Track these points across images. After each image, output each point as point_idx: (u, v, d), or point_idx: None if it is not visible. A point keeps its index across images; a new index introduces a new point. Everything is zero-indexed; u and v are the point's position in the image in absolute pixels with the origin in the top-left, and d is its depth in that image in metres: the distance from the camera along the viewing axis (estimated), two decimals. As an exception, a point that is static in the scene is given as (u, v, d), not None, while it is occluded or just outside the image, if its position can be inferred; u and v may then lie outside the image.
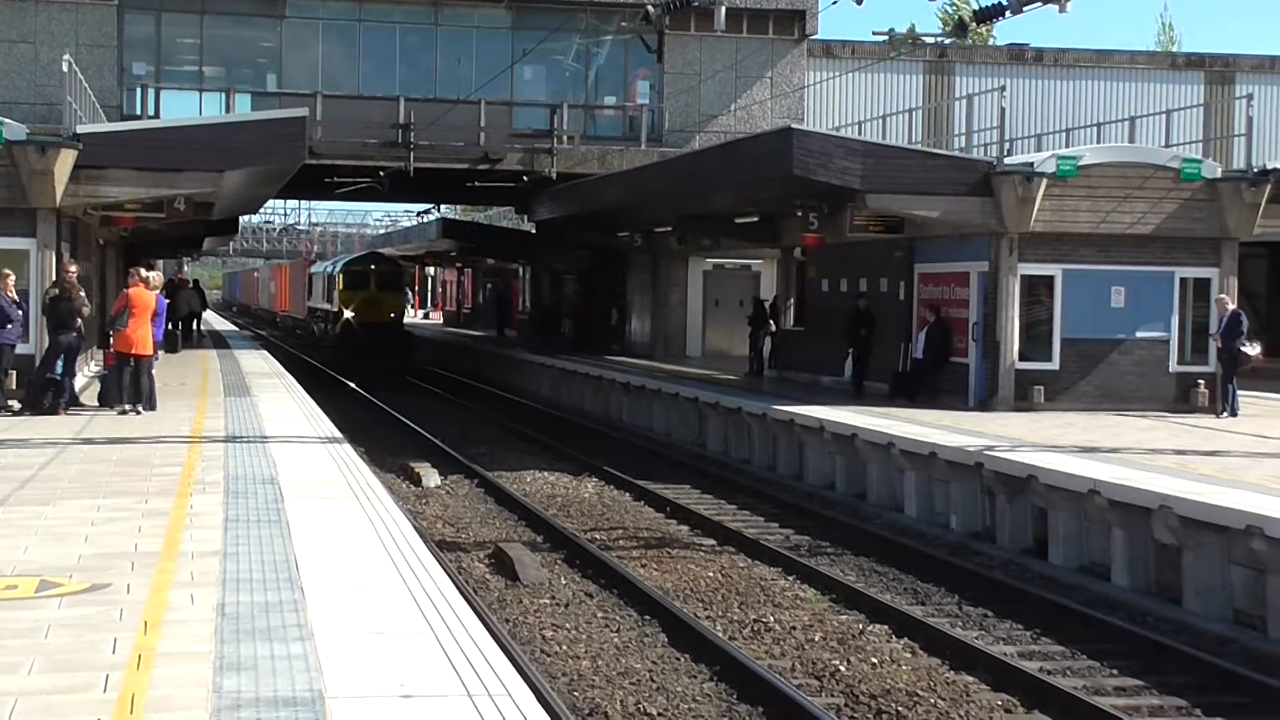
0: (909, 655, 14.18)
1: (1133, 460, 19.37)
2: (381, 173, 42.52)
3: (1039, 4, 20.41)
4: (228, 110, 40.56)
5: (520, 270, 64.13)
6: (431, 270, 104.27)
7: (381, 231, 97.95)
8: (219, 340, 54.73)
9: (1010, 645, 14.66)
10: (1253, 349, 26.38)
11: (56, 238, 25.45)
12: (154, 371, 24.43)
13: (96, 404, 24.49)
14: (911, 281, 29.40)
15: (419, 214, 76.87)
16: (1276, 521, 14.63)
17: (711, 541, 20.46)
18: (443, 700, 7.78)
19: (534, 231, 55.33)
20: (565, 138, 42.37)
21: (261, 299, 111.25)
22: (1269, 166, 27.55)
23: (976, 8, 22.01)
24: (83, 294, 24.32)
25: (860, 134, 37.20)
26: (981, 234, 26.88)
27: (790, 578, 17.90)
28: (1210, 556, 15.78)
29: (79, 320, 23.99)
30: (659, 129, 43.53)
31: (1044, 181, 26.26)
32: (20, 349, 23.91)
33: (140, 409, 23.51)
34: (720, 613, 15.96)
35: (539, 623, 15.33)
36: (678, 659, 13.91)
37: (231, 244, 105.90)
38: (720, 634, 14.72)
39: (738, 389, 31.47)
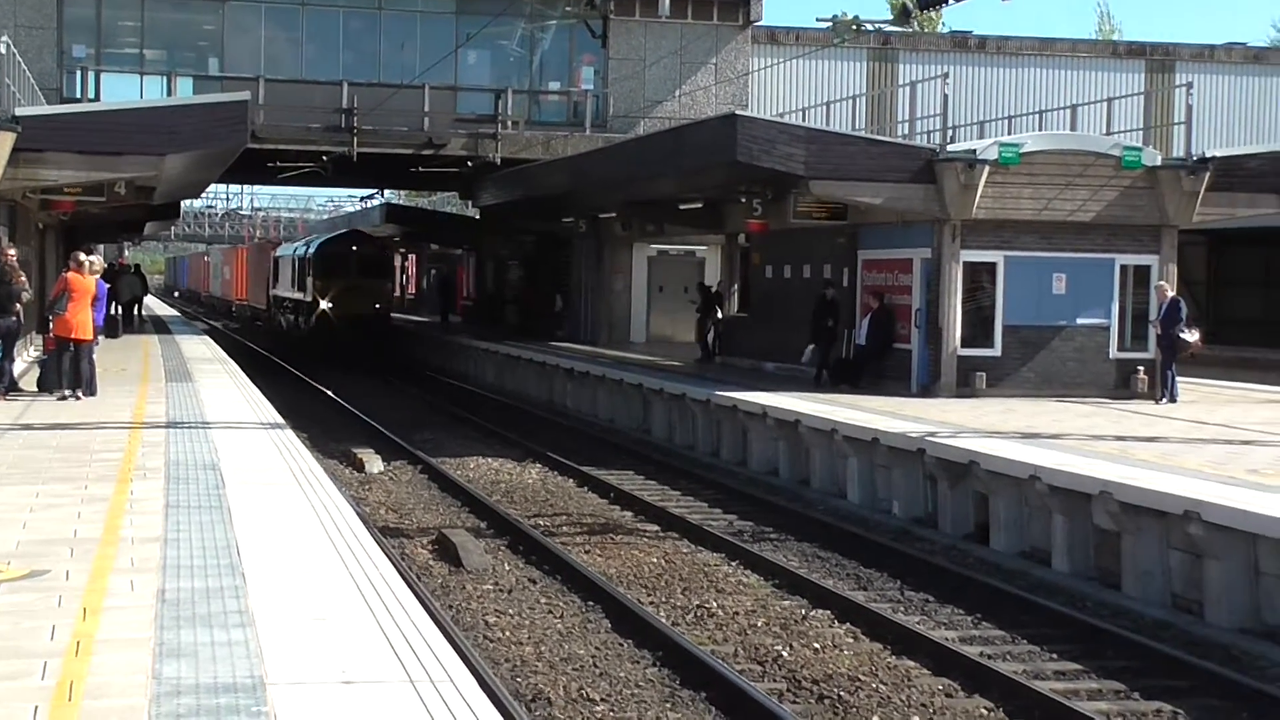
0: (851, 640, 14.24)
1: (1073, 446, 19.51)
2: (325, 157, 42.33)
3: (982, -8, 20.48)
4: (169, 94, 40.27)
5: (465, 256, 63.88)
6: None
7: (325, 217, 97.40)
8: (161, 325, 54.34)
9: (951, 630, 14.75)
10: (1191, 335, 26.61)
11: (-6, 221, 25.22)
12: (94, 357, 24.23)
13: (35, 389, 24.29)
14: (855, 268, 29.49)
15: (363, 199, 76.62)
16: (1214, 507, 14.77)
17: (655, 527, 20.48)
18: (384, 686, 7.77)
19: (478, 217, 55.22)
20: (510, 123, 42.30)
21: (213, 285, 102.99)
22: (1208, 154, 27.78)
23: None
24: (23, 278, 24.10)
25: (804, 120, 37.28)
26: (924, 221, 27.00)
27: (733, 563, 17.95)
28: (1149, 542, 15.92)
29: (18, 305, 23.76)
30: (604, 115, 43.50)
31: (986, 169, 26.39)
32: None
33: (80, 394, 23.32)
34: (663, 598, 15.98)
35: (482, 609, 15.32)
36: (621, 645, 13.93)
37: (173, 229, 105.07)
38: (663, 620, 14.74)
39: (682, 375, 31.51)
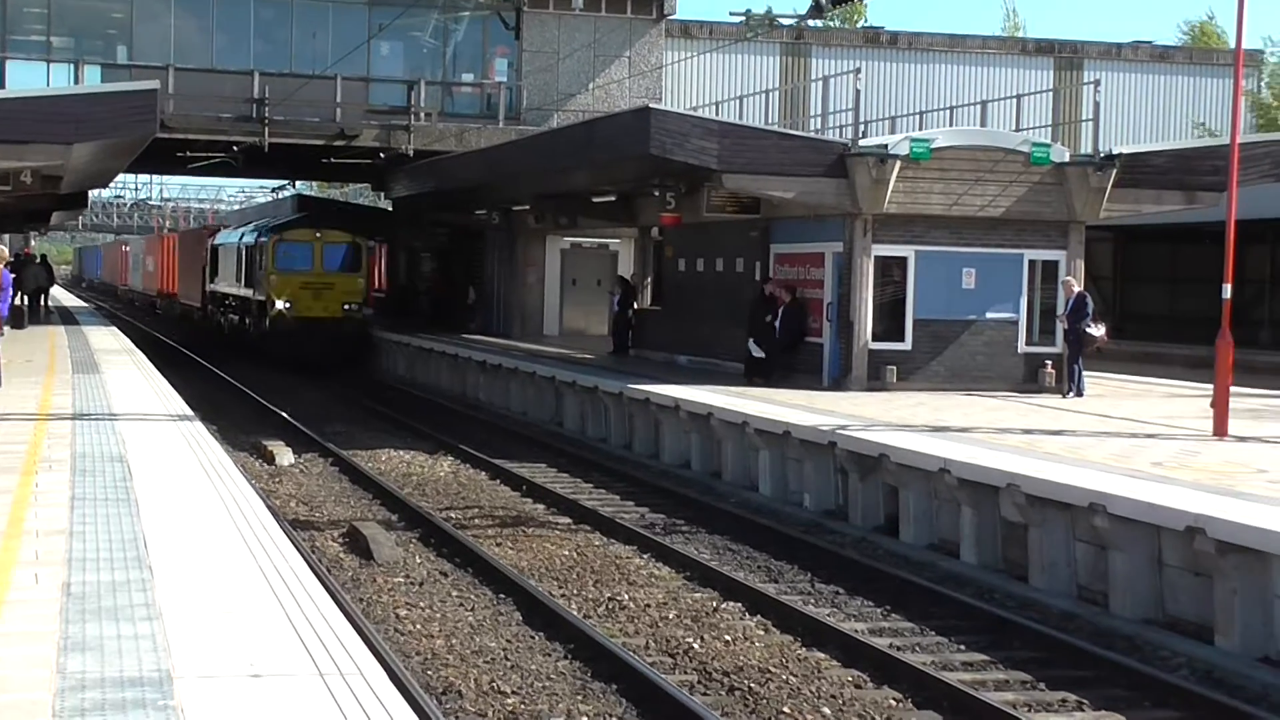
0: (762, 633, 14.31)
1: (982, 439, 19.69)
2: (235, 147, 42.00)
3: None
4: (77, 82, 39.78)
5: (377, 248, 63.48)
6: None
7: (236, 207, 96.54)
8: (68, 316, 53.68)
9: (861, 622, 14.85)
10: (1098, 330, 26.93)
11: (-103, 210, 24.82)
12: (-1, 348, 23.89)
13: (-62, 381, 23.91)
14: (767, 262, 29.60)
15: (274, 190, 76.00)
16: (1119, 499, 14.96)
17: (567, 520, 20.48)
18: (293, 679, 7.72)
19: (391, 209, 54.90)
20: (422, 115, 42.15)
21: (133, 278, 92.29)
22: (1115, 151, 28.11)
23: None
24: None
25: (717, 114, 37.37)
26: (836, 215, 27.15)
27: (645, 556, 17.98)
28: (1055, 533, 16.10)
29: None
30: (517, 107, 43.43)
31: (898, 164, 26.57)
32: None
33: (-16, 386, 23.00)
34: (575, 591, 15.99)
35: (393, 601, 15.26)
36: (532, 637, 13.92)
37: (81, 219, 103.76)
38: (575, 612, 14.75)
39: (594, 368, 31.52)
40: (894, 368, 27.05)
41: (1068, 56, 49.59)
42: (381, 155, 42.98)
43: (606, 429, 28.62)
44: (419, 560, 17.49)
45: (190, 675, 7.71)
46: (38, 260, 52.52)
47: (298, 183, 68.32)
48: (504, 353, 35.65)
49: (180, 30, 42.20)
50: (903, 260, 27.27)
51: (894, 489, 19.41)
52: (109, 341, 37.38)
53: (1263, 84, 55.15)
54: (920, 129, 33.94)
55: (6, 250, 28.17)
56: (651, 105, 29.64)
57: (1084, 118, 40.40)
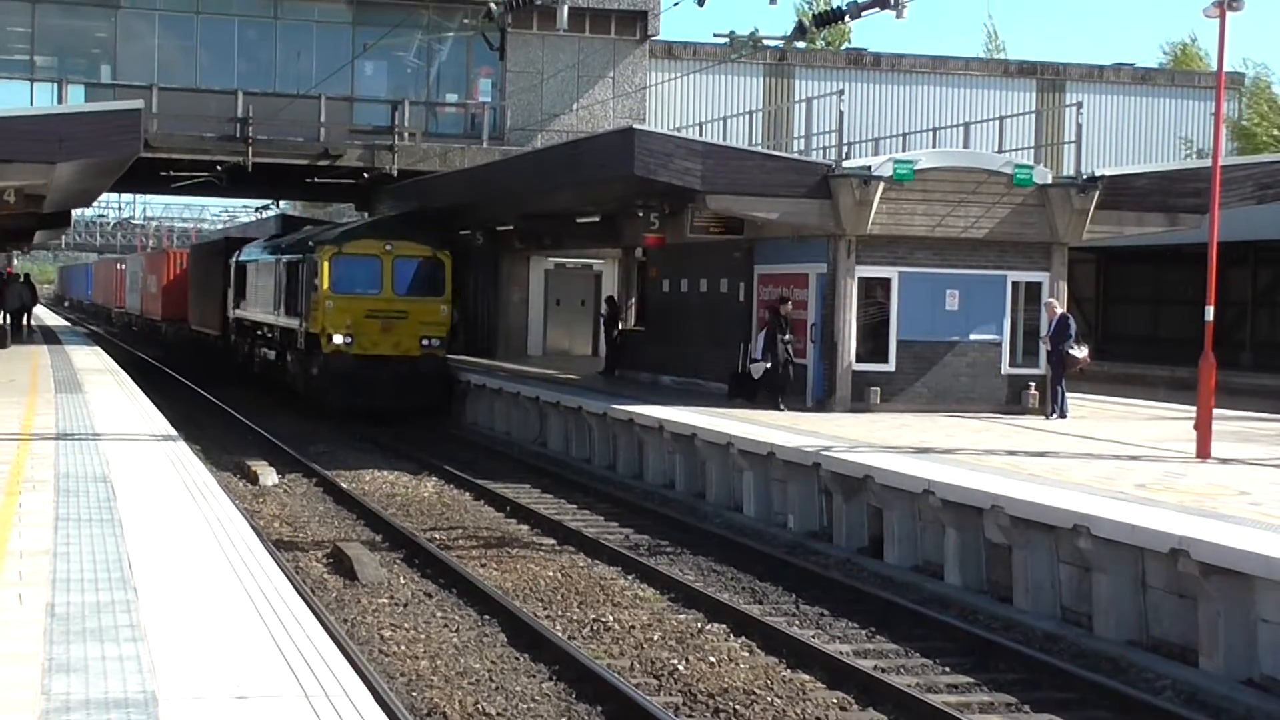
0: (746, 654, 14.30)
1: (965, 461, 19.72)
2: (219, 167, 41.96)
3: (876, 9, 20.69)
4: (60, 101, 39.75)
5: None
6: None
7: (219, 226, 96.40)
8: (51, 336, 53.52)
9: (846, 644, 14.85)
10: (1081, 352, 26.98)
11: (-121, 229, 24.75)
12: (-19, 367, 23.78)
13: (-80, 400, 23.82)
14: (751, 282, 29.64)
15: (257, 209, 75.91)
16: (1103, 521, 14.98)
17: (551, 541, 20.46)
18: (278, 701, 7.70)
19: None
20: (406, 134, 42.18)
21: (130, 299, 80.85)
22: (1098, 173, 28.19)
23: (816, 11, 22.26)
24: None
25: (701, 135, 37.45)
26: (820, 236, 27.19)
27: (629, 577, 17.96)
28: (1039, 555, 16.12)
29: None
30: (501, 127, 43.47)
31: (881, 185, 26.62)
32: None
33: (-33, 405, 22.91)
34: (560, 612, 15.97)
35: (377, 622, 15.23)
36: (517, 659, 13.90)
37: (64, 237, 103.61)
38: (559, 633, 14.73)
39: (578, 388, 31.50)
40: (878, 389, 27.08)
41: (1050, 78, 49.77)
42: (365, 175, 42.98)
43: (590, 450, 28.61)
44: (403, 581, 17.45)
45: (175, 697, 7.68)
46: (21, 279, 52.37)
47: (281, 202, 68.33)
48: (487, 373, 35.62)
49: (164, 50, 42.20)
50: (886, 281, 27.31)
51: (878, 510, 19.43)
52: (92, 361, 37.29)
53: (1242, 106, 55.37)
54: (903, 150, 33.99)
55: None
56: (635, 126, 29.68)
57: (1066, 139, 40.56)
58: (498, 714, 12.13)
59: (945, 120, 44.27)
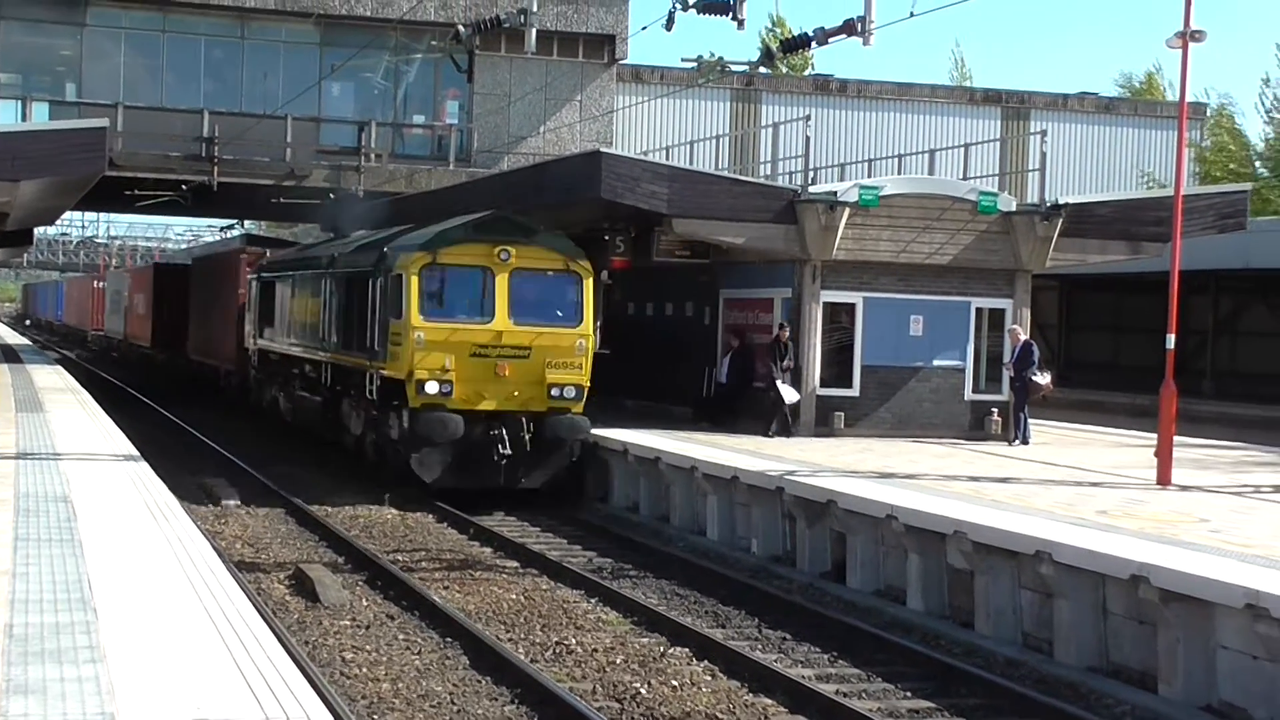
0: (709, 678, 14.29)
1: (929, 486, 19.77)
2: (184, 186, 41.80)
3: (843, 36, 20.79)
4: (24, 119, 39.57)
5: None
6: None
7: (183, 246, 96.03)
8: (10, 354, 53.20)
9: (808, 668, 14.86)
10: (1044, 378, 27.10)
11: None
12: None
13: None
14: (716, 306, 29.69)
15: (222, 229, 75.72)
16: (1064, 547, 15.04)
17: (515, 564, 20.42)
18: (239, 724, 7.68)
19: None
20: (373, 155, 42.10)
21: (111, 322, 70.87)
22: (1061, 201, 28.36)
23: (784, 37, 22.36)
24: None
25: (668, 159, 37.51)
26: (786, 261, 27.27)
27: (593, 600, 17.94)
28: (1001, 581, 16.17)
29: None
30: (468, 149, 43.46)
31: (846, 210, 26.72)
32: None
33: (-73, 424, 22.74)
34: (523, 635, 15.94)
35: (339, 645, 15.17)
36: (479, 681, 13.87)
37: (26, 256, 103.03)
38: (522, 656, 14.70)
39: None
40: (842, 414, 27.15)
41: (1015, 106, 50.03)
42: (331, 195, 42.89)
43: (554, 472, 28.46)
44: (365, 603, 17.40)
45: (135, 719, 7.64)
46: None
47: (246, 222, 68.16)
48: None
49: (130, 68, 42.06)
50: (851, 306, 27.40)
51: (841, 535, 19.45)
52: (53, 380, 37.09)
53: (1204, 137, 55.77)
54: (869, 176, 34.16)
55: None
56: (602, 149, 29.75)
57: (1031, 167, 40.82)
58: (459, 737, 12.09)
59: (911, 147, 44.45)
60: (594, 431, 26.13)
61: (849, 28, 20.60)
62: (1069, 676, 14.48)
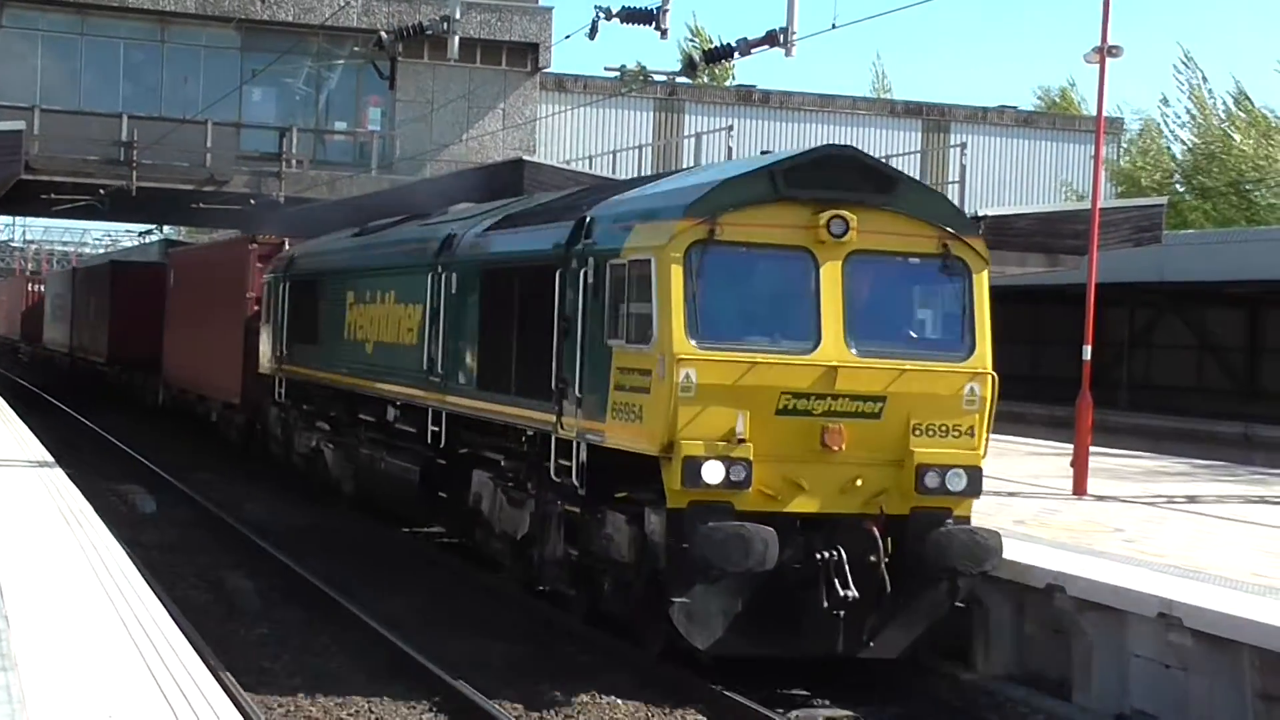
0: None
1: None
2: (102, 190, 41.42)
3: (765, 47, 20.90)
4: (-62, 120, 39.10)
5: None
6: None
7: (101, 250, 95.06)
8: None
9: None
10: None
11: None
12: None
13: None
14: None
15: (141, 234, 75.16)
16: (981, 555, 15.11)
17: (435, 568, 20.29)
18: (153, 731, 7.61)
19: (260, 255, 54.19)
20: (294, 161, 41.89)
21: (53, 330, 61.10)
22: (980, 213, 28.57)
23: (706, 48, 22.47)
24: None
25: (591, 168, 37.53)
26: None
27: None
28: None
29: None
30: (390, 156, 43.32)
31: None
32: None
33: None
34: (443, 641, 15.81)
35: (257, 653, 15.06)
36: (396, 686, 13.78)
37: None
38: (443, 660, 14.60)
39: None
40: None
41: (935, 119, 50.46)
42: (252, 201, 42.62)
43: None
44: (283, 610, 17.27)
45: (47, 727, 7.57)
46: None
47: (165, 227, 67.63)
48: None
49: (47, 71, 41.64)
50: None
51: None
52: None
53: (1122, 152, 56.45)
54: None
55: None
56: (525, 157, 29.72)
57: (950, 179, 41.13)
58: (377, 746, 11.98)
59: (832, 158, 44.61)
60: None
61: (771, 39, 20.72)
62: (987, 686, 14.56)
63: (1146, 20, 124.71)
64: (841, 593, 13.34)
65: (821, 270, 13.74)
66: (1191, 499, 21.49)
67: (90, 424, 38.71)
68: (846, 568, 13.42)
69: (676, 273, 13.42)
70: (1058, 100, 71.03)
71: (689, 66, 24.59)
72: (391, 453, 21.35)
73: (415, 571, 19.83)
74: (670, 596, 13.29)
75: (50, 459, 20.64)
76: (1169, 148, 59.08)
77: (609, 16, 21.60)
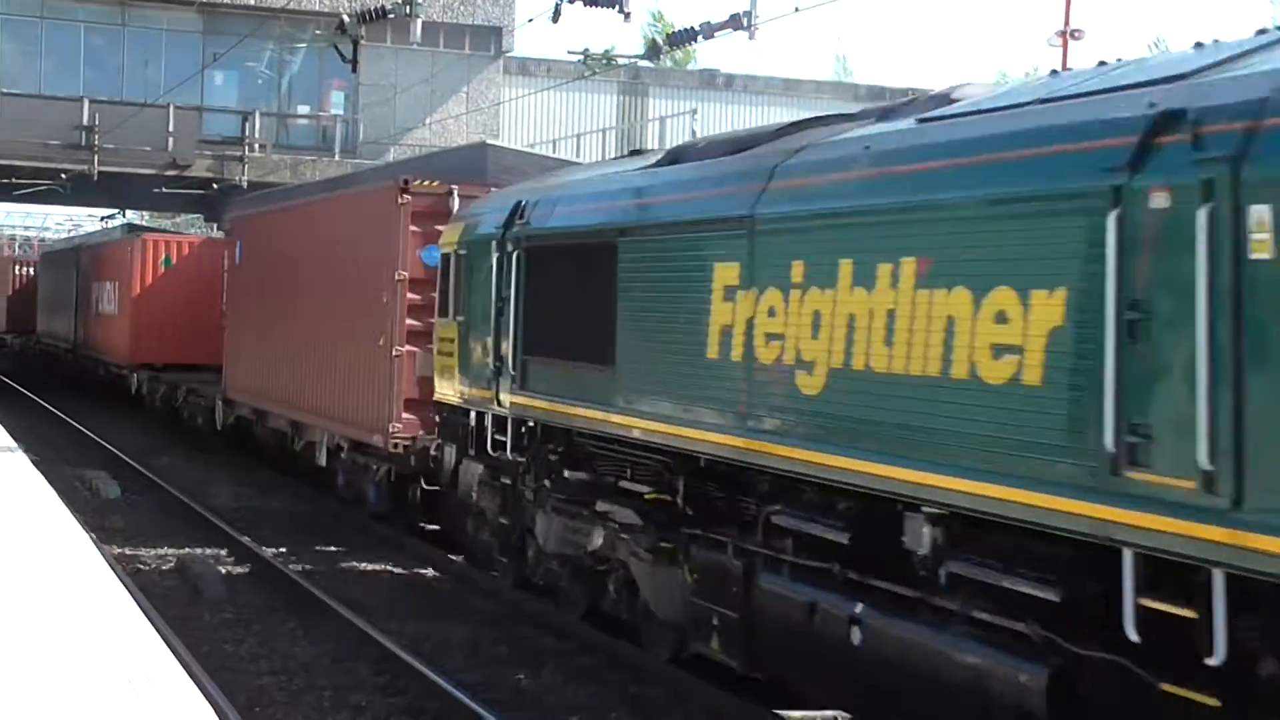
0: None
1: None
2: (63, 175, 41.23)
3: (729, 30, 20.95)
4: (-103, 105, 38.87)
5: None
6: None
7: (62, 235, 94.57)
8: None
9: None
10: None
11: None
12: None
13: None
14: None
15: (103, 219, 74.77)
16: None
17: (402, 554, 20.30)
18: (117, 718, 7.61)
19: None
20: (257, 146, 41.76)
21: (49, 320, 51.10)
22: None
23: (670, 31, 22.51)
24: None
25: (555, 152, 37.53)
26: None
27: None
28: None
29: None
30: (353, 140, 43.25)
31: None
32: None
33: None
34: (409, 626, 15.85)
35: (220, 638, 15.04)
36: (363, 672, 13.79)
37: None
38: (405, 644, 14.63)
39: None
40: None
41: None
42: (214, 185, 42.50)
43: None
44: (249, 596, 17.26)
45: (5, 715, 7.56)
46: None
47: (128, 212, 67.31)
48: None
49: (6, 55, 41.45)
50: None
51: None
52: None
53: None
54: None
55: None
56: (489, 141, 29.71)
57: (914, 162, 41.23)
58: (343, 729, 11.99)
59: (796, 141, 44.76)
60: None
61: (735, 22, 20.78)
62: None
63: (1115, 3, 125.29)
64: None
65: None
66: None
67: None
68: None
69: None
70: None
71: (653, 50, 24.61)
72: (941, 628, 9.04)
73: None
74: None
75: (13, 444, 20.54)
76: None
77: (572, 0, 21.60)
